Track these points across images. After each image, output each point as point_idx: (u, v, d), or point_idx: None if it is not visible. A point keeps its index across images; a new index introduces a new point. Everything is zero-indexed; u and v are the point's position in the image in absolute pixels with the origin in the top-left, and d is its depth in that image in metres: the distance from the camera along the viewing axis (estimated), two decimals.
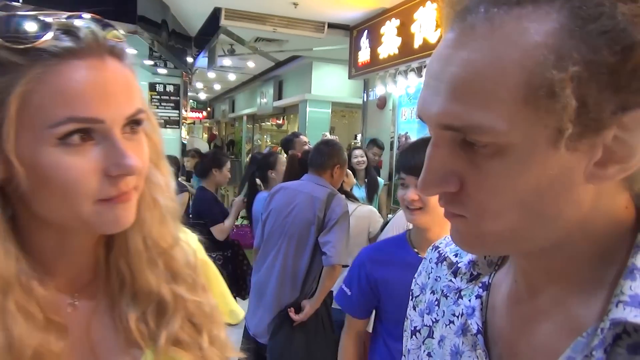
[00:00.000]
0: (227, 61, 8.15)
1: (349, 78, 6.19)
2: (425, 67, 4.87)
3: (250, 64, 8.80)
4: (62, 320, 0.56)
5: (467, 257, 0.60)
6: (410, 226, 2.59)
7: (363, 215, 2.71)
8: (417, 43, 4.68)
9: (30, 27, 0.49)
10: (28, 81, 0.48)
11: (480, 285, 0.57)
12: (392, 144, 5.88)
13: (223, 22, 5.35)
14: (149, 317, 0.62)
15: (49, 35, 0.49)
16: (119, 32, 0.56)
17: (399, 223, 2.65)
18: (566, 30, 0.36)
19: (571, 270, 0.46)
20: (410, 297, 0.70)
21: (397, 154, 1.42)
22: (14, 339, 0.49)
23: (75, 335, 0.58)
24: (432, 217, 1.36)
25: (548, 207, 0.41)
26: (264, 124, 12.49)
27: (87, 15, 0.54)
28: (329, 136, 3.99)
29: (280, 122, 11.25)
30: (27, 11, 0.50)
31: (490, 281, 0.57)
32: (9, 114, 0.48)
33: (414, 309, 0.68)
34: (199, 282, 0.69)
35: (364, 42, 5.65)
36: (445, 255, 0.65)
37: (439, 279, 0.65)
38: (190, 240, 0.72)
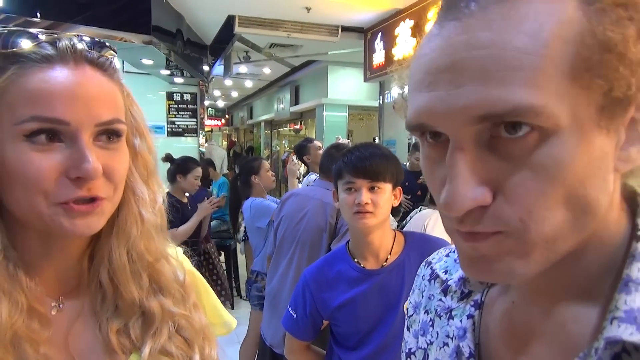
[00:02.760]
0: (243, 68, 8.19)
1: (364, 81, 6.14)
2: None
3: (266, 70, 8.83)
4: (46, 312, 0.58)
5: (458, 273, 0.56)
6: (429, 226, 2.55)
7: None
8: None
9: (20, 38, 0.54)
10: (2, 81, 0.52)
11: (472, 303, 0.52)
12: (409, 145, 5.80)
13: (237, 29, 5.37)
14: (133, 328, 0.63)
15: (28, 44, 0.53)
16: (110, 50, 0.60)
17: (416, 225, 2.60)
18: None
19: (578, 283, 0.41)
20: (405, 316, 0.66)
21: (334, 161, 1.38)
22: None
23: (56, 338, 0.59)
24: (379, 220, 1.32)
25: (592, 200, 0.36)
26: (281, 129, 12.52)
27: (88, 38, 0.58)
28: (342, 139, 3.95)
29: (297, 127, 11.26)
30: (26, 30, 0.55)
31: (482, 299, 0.52)
32: None
33: (408, 329, 0.64)
34: (190, 299, 0.70)
35: (378, 44, 5.59)
36: (437, 272, 0.60)
37: (432, 297, 0.60)
38: (177, 254, 0.73)
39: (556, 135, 0.33)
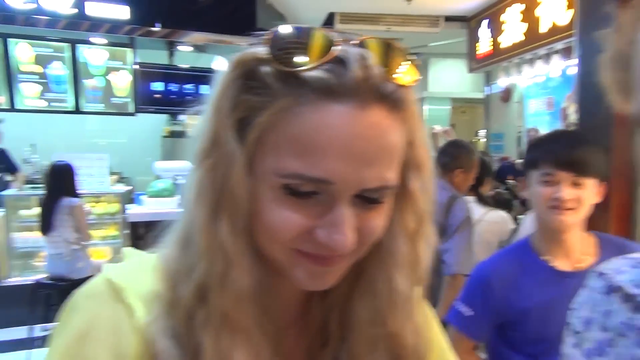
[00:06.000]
0: None
1: (468, 72, 5.89)
2: (555, 53, 4.46)
3: None
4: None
5: None
6: (522, 226, 2.38)
7: (494, 220, 2.56)
8: (543, 28, 4.29)
9: (308, 50, 0.41)
10: (273, 112, 0.42)
11: None
12: (519, 139, 5.45)
13: (338, 26, 5.43)
14: None
15: (316, 64, 0.41)
16: (413, 69, 0.46)
17: (530, 228, 2.44)
18: None
19: None
20: (568, 331, 0.59)
21: (528, 147, 1.23)
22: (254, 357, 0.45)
23: None
24: (579, 218, 1.17)
25: None
26: None
27: (376, 43, 0.44)
28: (437, 129, 3.82)
29: None
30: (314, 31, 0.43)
31: None
32: (247, 140, 0.43)
33: (576, 347, 0.58)
34: None
35: (484, 32, 5.32)
36: (618, 285, 0.54)
37: (610, 313, 0.53)
38: (427, 314, 0.60)
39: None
